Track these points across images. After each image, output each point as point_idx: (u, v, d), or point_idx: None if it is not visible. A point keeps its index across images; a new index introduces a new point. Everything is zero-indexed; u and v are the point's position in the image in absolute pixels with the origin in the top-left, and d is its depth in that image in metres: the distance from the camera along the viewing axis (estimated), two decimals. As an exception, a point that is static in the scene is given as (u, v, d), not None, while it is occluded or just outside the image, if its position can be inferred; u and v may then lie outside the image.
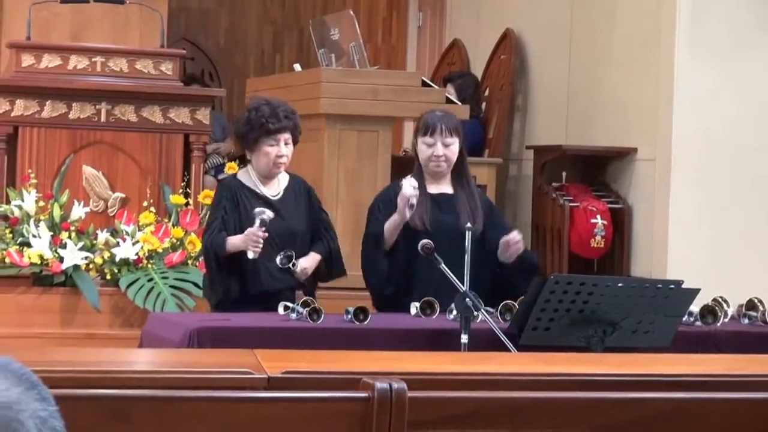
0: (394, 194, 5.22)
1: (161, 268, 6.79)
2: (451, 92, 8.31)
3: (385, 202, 5.30)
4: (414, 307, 4.99)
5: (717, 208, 7.31)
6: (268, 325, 4.80)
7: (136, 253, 6.80)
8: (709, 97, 7.34)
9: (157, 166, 7.27)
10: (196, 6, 11.38)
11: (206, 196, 6.95)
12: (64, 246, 6.72)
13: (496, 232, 5.28)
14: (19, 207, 6.85)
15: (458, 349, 4.45)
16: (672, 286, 4.77)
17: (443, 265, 4.72)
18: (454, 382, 3.13)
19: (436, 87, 7.57)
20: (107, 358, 3.61)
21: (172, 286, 6.66)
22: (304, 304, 4.84)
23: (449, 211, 5.27)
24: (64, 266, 6.67)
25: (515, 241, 5.17)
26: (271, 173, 5.31)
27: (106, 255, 6.79)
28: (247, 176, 5.36)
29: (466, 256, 4.74)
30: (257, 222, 5.09)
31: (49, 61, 7.24)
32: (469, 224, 4.95)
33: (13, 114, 7.12)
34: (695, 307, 4.98)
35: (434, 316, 4.92)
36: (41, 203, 6.90)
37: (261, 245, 5.09)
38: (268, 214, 5.11)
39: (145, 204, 7.09)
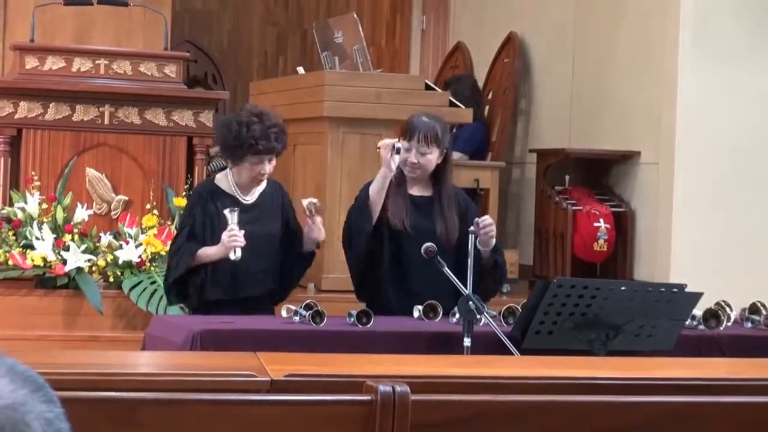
0: (365, 199, 5.20)
1: (164, 271, 6.78)
2: (448, 97, 8.31)
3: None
4: (417, 311, 4.98)
5: (720, 211, 7.31)
6: (271, 327, 4.80)
7: (139, 256, 6.80)
8: (712, 100, 7.34)
9: (161, 168, 7.27)
10: (199, 8, 11.38)
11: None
12: (67, 248, 6.72)
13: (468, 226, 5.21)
14: (23, 209, 6.85)
15: (461, 352, 4.44)
16: (675, 289, 4.77)
17: (446, 268, 4.71)
18: (457, 385, 3.14)
19: (440, 90, 7.57)
20: (111, 361, 3.61)
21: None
22: (307, 307, 4.84)
23: (427, 215, 5.23)
24: (67, 269, 6.67)
25: (486, 223, 5.09)
26: (250, 186, 5.28)
27: (109, 257, 6.79)
28: (226, 181, 5.28)
29: (469, 260, 4.74)
30: (230, 219, 5.04)
31: (53, 63, 7.25)
32: (471, 228, 4.93)
33: (16, 116, 7.13)
34: (698, 311, 4.98)
35: (437, 320, 4.92)
36: (44, 205, 6.91)
37: (242, 241, 5.06)
38: (235, 209, 5.07)
39: (148, 207, 7.09)
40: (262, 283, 5.24)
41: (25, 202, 6.87)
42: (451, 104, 7.35)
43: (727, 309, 5.09)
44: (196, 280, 5.17)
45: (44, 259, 6.67)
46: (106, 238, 6.88)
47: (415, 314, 4.99)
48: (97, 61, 7.31)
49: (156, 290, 6.64)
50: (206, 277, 5.16)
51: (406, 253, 5.08)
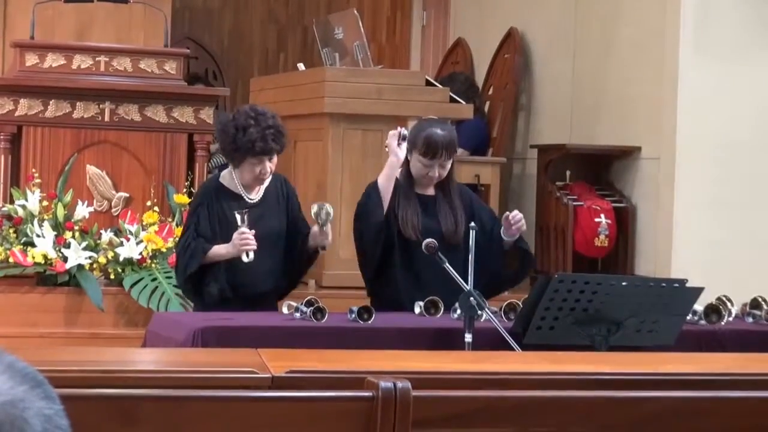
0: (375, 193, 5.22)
1: (165, 268, 6.79)
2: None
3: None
4: (418, 307, 4.98)
5: (721, 206, 7.31)
6: (272, 324, 4.80)
7: (140, 253, 6.80)
8: (713, 95, 7.34)
9: (161, 165, 7.27)
10: (200, 5, 11.37)
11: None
12: (67, 246, 6.72)
13: (483, 215, 5.29)
14: (23, 207, 6.85)
15: (462, 348, 4.44)
16: (676, 284, 4.77)
17: (447, 264, 4.71)
18: (459, 381, 3.13)
19: (440, 86, 7.57)
20: (112, 358, 3.61)
21: (176, 286, 6.66)
22: (308, 304, 4.84)
23: (432, 214, 5.24)
24: (67, 266, 6.67)
25: (517, 219, 5.15)
26: (252, 186, 5.28)
27: (110, 255, 6.79)
28: (230, 178, 5.30)
29: (470, 256, 4.74)
30: (240, 221, 5.06)
31: (53, 60, 7.24)
32: (472, 223, 4.94)
33: (17, 113, 7.12)
34: (699, 306, 4.98)
35: (438, 316, 4.92)
36: (45, 203, 6.90)
37: (254, 243, 5.07)
38: (246, 210, 5.08)
39: (148, 203, 7.09)
40: (268, 281, 5.26)
41: (26, 200, 6.87)
42: (452, 100, 7.34)
43: (728, 304, 5.09)
44: (213, 281, 5.17)
45: (45, 257, 6.67)
46: (106, 236, 6.87)
47: (416, 310, 4.99)
48: (97, 58, 7.30)
49: (157, 287, 6.65)
50: (219, 275, 5.18)
51: (417, 255, 5.04)
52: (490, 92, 9.14)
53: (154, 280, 6.71)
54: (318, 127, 7.17)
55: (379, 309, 4.92)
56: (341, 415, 2.81)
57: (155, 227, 6.93)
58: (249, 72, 11.04)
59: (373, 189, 5.24)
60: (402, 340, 4.59)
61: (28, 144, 7.14)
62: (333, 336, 4.64)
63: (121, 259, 6.78)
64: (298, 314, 4.82)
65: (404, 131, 5.18)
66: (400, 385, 2.80)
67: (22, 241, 6.77)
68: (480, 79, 9.22)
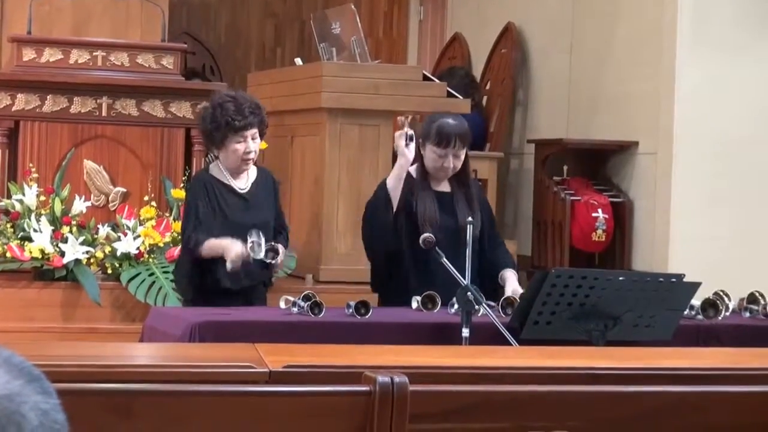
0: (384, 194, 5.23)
1: (162, 263, 6.79)
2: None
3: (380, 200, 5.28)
4: (415, 301, 4.98)
5: (718, 201, 7.31)
6: (269, 319, 4.80)
7: (138, 248, 6.79)
8: (710, 90, 7.33)
9: (158, 160, 7.27)
10: (197, 0, 11.37)
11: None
12: (65, 240, 6.72)
13: (483, 217, 5.33)
14: (20, 201, 6.85)
15: (459, 343, 4.44)
16: (673, 279, 4.77)
17: (444, 258, 4.72)
18: (456, 375, 3.14)
19: (437, 81, 7.57)
20: (109, 353, 3.61)
21: (173, 281, 6.66)
22: (306, 298, 4.84)
23: (448, 210, 5.26)
24: (65, 261, 6.66)
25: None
26: (240, 169, 5.33)
27: (107, 249, 6.79)
28: (218, 170, 5.38)
29: (467, 250, 4.74)
30: (249, 247, 5.08)
31: (50, 55, 7.24)
32: (469, 218, 4.94)
33: (14, 108, 7.11)
34: (696, 301, 4.98)
35: (435, 310, 4.92)
36: (42, 198, 6.90)
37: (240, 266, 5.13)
38: (257, 240, 5.10)
39: (146, 198, 7.09)
40: (257, 273, 5.29)
41: (23, 194, 6.86)
42: (449, 95, 7.34)
43: (726, 299, 5.10)
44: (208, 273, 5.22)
45: (42, 252, 6.67)
46: (104, 230, 6.87)
47: (414, 305, 4.99)
48: (94, 53, 7.29)
49: (154, 282, 6.65)
50: (215, 268, 5.22)
51: (430, 252, 5.03)
52: (488, 87, 9.14)
53: (151, 275, 6.71)
54: (315, 122, 7.16)
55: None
56: (338, 410, 2.81)
57: (152, 222, 6.93)
58: (246, 67, 11.05)
59: (381, 189, 5.26)
60: (399, 335, 4.59)
61: (26, 139, 7.13)
62: (330, 331, 4.65)
63: (118, 253, 6.77)
64: (295, 309, 4.83)
65: (411, 132, 5.21)
66: (397, 379, 2.80)
67: (19, 236, 6.77)
68: (477, 74, 9.22)
